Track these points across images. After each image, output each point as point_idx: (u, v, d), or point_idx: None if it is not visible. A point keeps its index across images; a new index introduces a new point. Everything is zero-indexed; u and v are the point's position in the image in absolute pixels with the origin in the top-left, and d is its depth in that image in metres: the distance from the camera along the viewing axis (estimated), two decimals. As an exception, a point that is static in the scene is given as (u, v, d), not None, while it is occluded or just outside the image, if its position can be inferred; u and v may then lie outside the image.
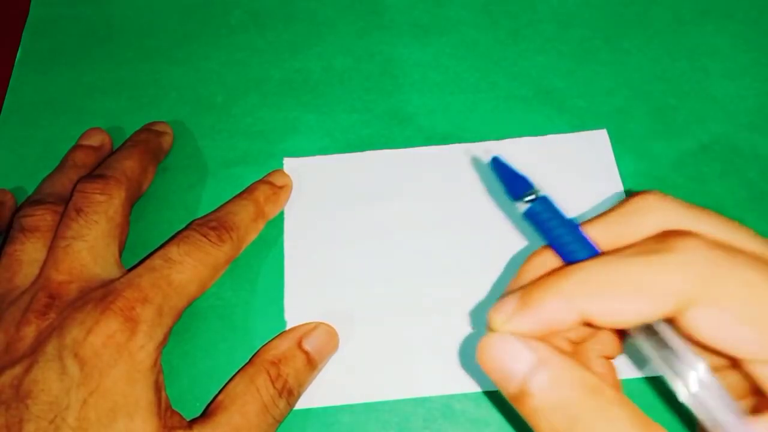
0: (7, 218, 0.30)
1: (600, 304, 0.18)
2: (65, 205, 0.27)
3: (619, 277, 0.18)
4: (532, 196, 0.20)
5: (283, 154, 0.32)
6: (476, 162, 0.27)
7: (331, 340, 0.27)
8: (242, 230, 0.28)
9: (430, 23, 0.36)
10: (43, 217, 0.27)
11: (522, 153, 0.31)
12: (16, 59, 0.36)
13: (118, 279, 0.25)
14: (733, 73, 0.34)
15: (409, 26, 0.36)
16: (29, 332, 0.23)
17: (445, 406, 0.26)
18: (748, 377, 0.18)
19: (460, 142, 0.32)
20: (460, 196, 0.30)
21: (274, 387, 0.24)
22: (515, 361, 0.18)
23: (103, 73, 0.36)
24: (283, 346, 0.26)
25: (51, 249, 0.26)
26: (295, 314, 0.28)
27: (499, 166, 0.21)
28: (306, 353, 0.26)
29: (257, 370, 0.25)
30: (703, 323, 0.17)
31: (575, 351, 0.21)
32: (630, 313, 0.18)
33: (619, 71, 0.34)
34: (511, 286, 0.21)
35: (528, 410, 0.18)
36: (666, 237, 0.18)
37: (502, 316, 0.19)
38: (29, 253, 0.26)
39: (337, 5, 0.37)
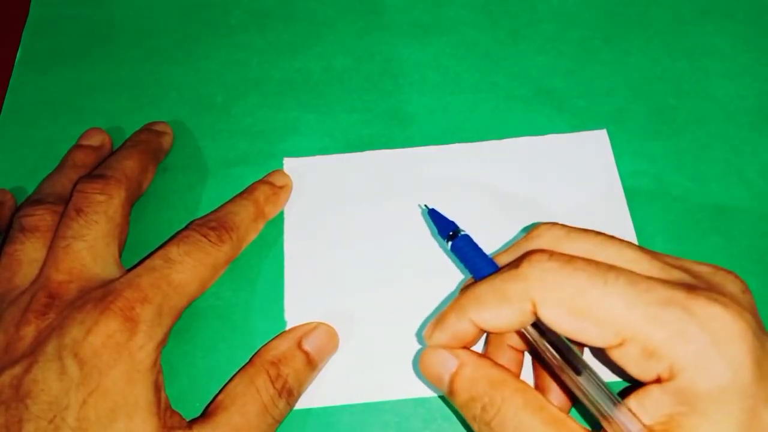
0: (7, 218, 0.30)
1: (481, 314, 0.22)
2: (65, 205, 0.27)
3: (489, 292, 0.22)
4: (456, 235, 0.26)
5: (283, 154, 0.32)
6: (421, 215, 0.30)
7: (331, 340, 0.27)
8: (242, 230, 0.28)
9: (430, 23, 0.36)
10: (42, 217, 0.27)
11: (522, 153, 0.32)
12: (16, 59, 0.36)
13: (118, 279, 0.25)
14: (733, 73, 0.34)
15: (409, 26, 0.36)
16: (29, 332, 0.23)
17: (445, 406, 0.26)
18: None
19: (460, 142, 0.32)
20: (460, 195, 0.30)
21: (274, 387, 0.24)
22: (443, 367, 0.23)
23: (103, 73, 0.36)
24: (283, 346, 0.26)
25: (51, 249, 0.26)
26: (295, 314, 0.28)
27: (433, 214, 0.27)
28: (306, 353, 0.26)
29: (257, 371, 0.25)
30: (550, 320, 0.21)
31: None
32: (498, 318, 0.22)
33: (619, 71, 0.34)
34: None
35: (457, 404, 0.22)
36: (523, 257, 0.22)
37: (428, 332, 0.23)
38: (29, 252, 0.26)
39: (337, 5, 0.37)
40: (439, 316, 0.23)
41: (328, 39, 0.36)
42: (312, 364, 0.26)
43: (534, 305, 0.21)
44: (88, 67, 0.36)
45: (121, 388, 0.22)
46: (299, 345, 0.26)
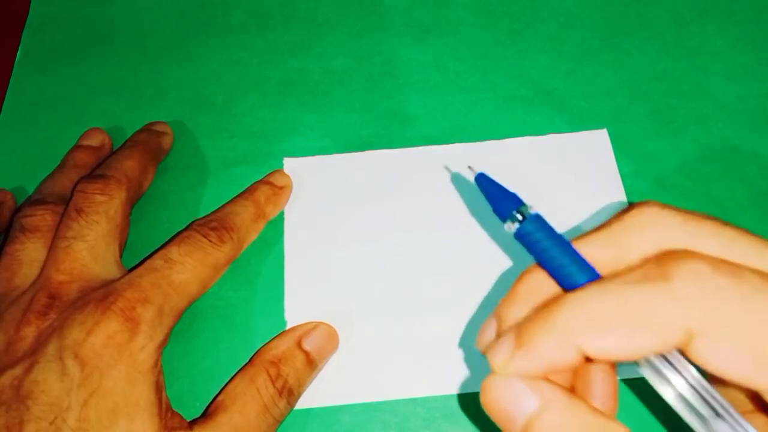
0: (7, 218, 0.30)
1: (598, 340, 0.16)
2: (65, 205, 0.27)
3: (616, 311, 0.16)
4: (522, 216, 0.19)
5: (283, 154, 0.32)
6: (460, 178, 0.27)
7: (331, 339, 0.27)
8: (243, 231, 0.28)
9: (430, 23, 0.36)
10: (43, 217, 0.27)
11: (522, 153, 0.32)
12: (16, 59, 0.36)
13: (119, 279, 0.25)
14: (733, 73, 0.34)
15: (409, 26, 0.36)
16: (29, 332, 0.23)
17: (445, 406, 0.26)
18: (760, 400, 0.17)
19: (460, 142, 0.32)
20: (460, 195, 0.30)
21: (274, 387, 0.24)
22: (518, 405, 0.17)
23: (103, 73, 0.36)
24: (283, 345, 0.26)
25: (51, 249, 0.26)
26: (295, 314, 0.28)
27: (485, 183, 0.20)
28: (306, 353, 0.26)
29: (257, 370, 0.25)
30: (710, 356, 0.16)
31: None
32: (630, 349, 0.16)
33: (619, 71, 0.34)
34: (500, 310, 0.20)
35: None
36: (666, 261, 0.16)
37: (502, 357, 0.18)
38: (29, 253, 0.26)
39: (337, 5, 0.37)
40: (521, 337, 0.17)
41: (328, 39, 0.36)
42: (312, 364, 0.26)
43: (690, 336, 0.16)
44: (88, 67, 0.36)
45: (121, 389, 0.22)
46: (299, 344, 0.26)
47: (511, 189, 0.30)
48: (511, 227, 0.19)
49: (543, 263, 0.19)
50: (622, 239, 0.18)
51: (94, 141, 0.32)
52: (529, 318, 0.18)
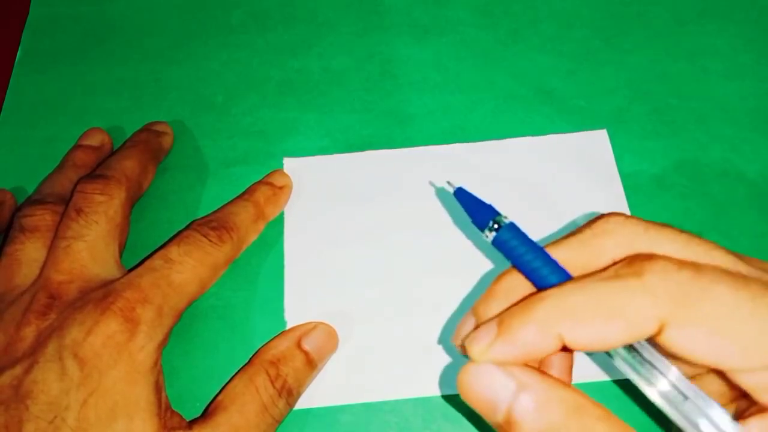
0: (7, 218, 0.30)
1: (577, 330, 0.18)
2: (65, 205, 0.27)
3: (593, 303, 0.18)
4: (498, 225, 0.21)
5: (283, 154, 0.32)
6: (444, 192, 0.26)
7: (331, 339, 0.27)
8: (242, 231, 0.28)
9: (430, 23, 0.36)
10: (42, 217, 0.27)
11: (522, 153, 0.32)
12: (16, 59, 0.36)
13: (118, 279, 0.25)
14: (733, 73, 0.34)
15: (409, 26, 0.36)
16: (29, 332, 0.23)
17: (445, 406, 0.26)
18: (731, 385, 0.19)
19: (460, 142, 0.32)
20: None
21: (274, 387, 0.24)
22: (497, 391, 0.18)
23: (103, 73, 0.36)
24: (282, 345, 0.26)
25: (51, 249, 0.26)
26: (295, 314, 0.28)
27: (463, 197, 0.22)
28: (305, 353, 0.26)
29: (256, 370, 0.25)
30: (680, 342, 0.17)
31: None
32: (606, 338, 0.18)
33: (619, 71, 0.34)
34: (478, 307, 0.21)
35: None
36: (634, 261, 0.18)
37: (481, 346, 0.19)
38: (29, 253, 0.26)
39: (337, 5, 0.37)
40: (502, 326, 0.19)
41: (328, 39, 0.36)
42: (311, 364, 0.26)
43: (661, 325, 0.17)
44: (88, 67, 0.36)
45: (121, 389, 0.22)
46: (299, 344, 0.26)
47: (511, 189, 0.31)
48: (489, 236, 0.21)
49: (519, 266, 0.20)
50: (591, 244, 0.20)
51: (94, 141, 0.32)
52: (510, 311, 0.19)
